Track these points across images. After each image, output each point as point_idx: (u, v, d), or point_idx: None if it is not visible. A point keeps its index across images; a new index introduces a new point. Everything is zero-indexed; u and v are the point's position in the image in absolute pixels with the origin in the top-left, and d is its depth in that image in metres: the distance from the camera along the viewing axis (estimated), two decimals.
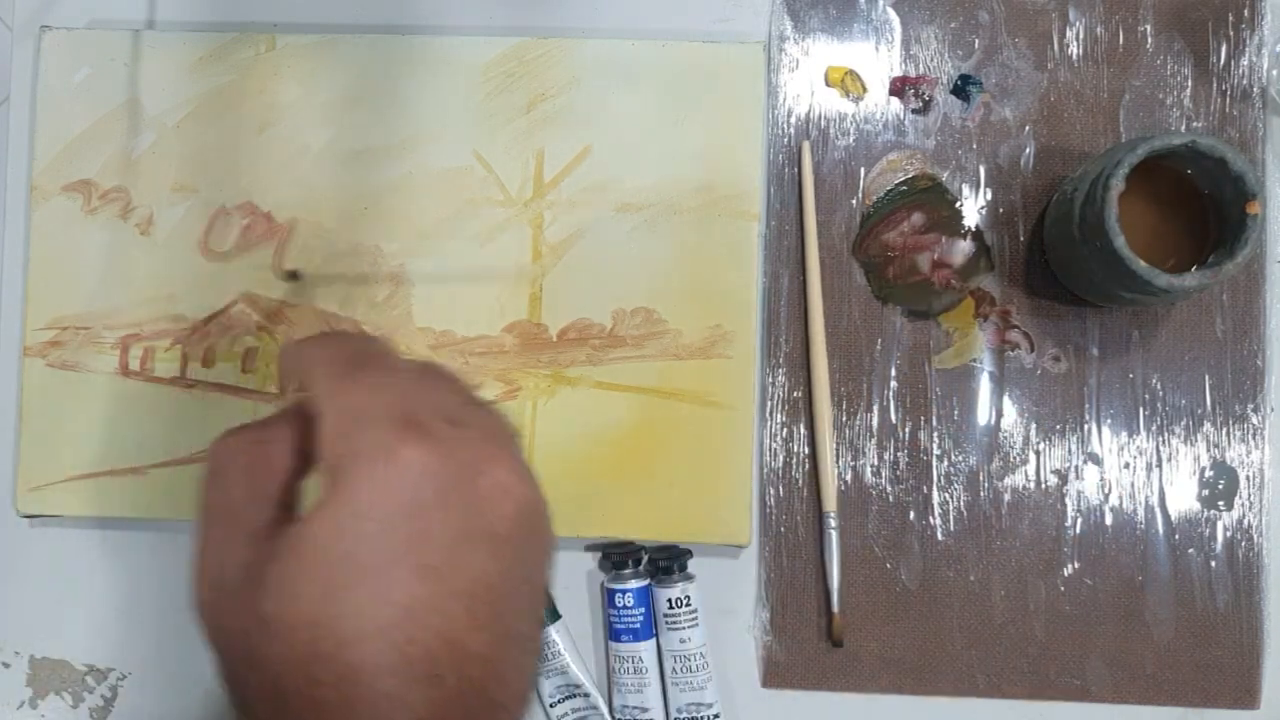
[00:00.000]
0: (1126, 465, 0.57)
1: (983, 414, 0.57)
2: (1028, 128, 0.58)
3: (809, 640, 0.56)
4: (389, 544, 0.27)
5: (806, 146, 0.58)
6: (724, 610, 0.57)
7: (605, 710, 0.56)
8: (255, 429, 0.31)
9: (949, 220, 0.58)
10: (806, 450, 0.57)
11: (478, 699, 0.28)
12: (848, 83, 0.58)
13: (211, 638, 0.29)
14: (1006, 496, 0.57)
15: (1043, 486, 0.57)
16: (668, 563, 0.55)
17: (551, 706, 0.56)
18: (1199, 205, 0.53)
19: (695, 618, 0.55)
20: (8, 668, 0.58)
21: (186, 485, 0.55)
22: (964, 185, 0.58)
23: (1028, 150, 0.58)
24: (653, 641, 0.56)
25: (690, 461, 0.55)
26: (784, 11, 0.58)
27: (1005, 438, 0.57)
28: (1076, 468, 0.57)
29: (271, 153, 0.57)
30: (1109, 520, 0.57)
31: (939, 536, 0.57)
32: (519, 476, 0.29)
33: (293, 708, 0.27)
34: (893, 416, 0.57)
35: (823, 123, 0.58)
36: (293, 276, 0.56)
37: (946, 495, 0.57)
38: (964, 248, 0.58)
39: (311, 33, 0.57)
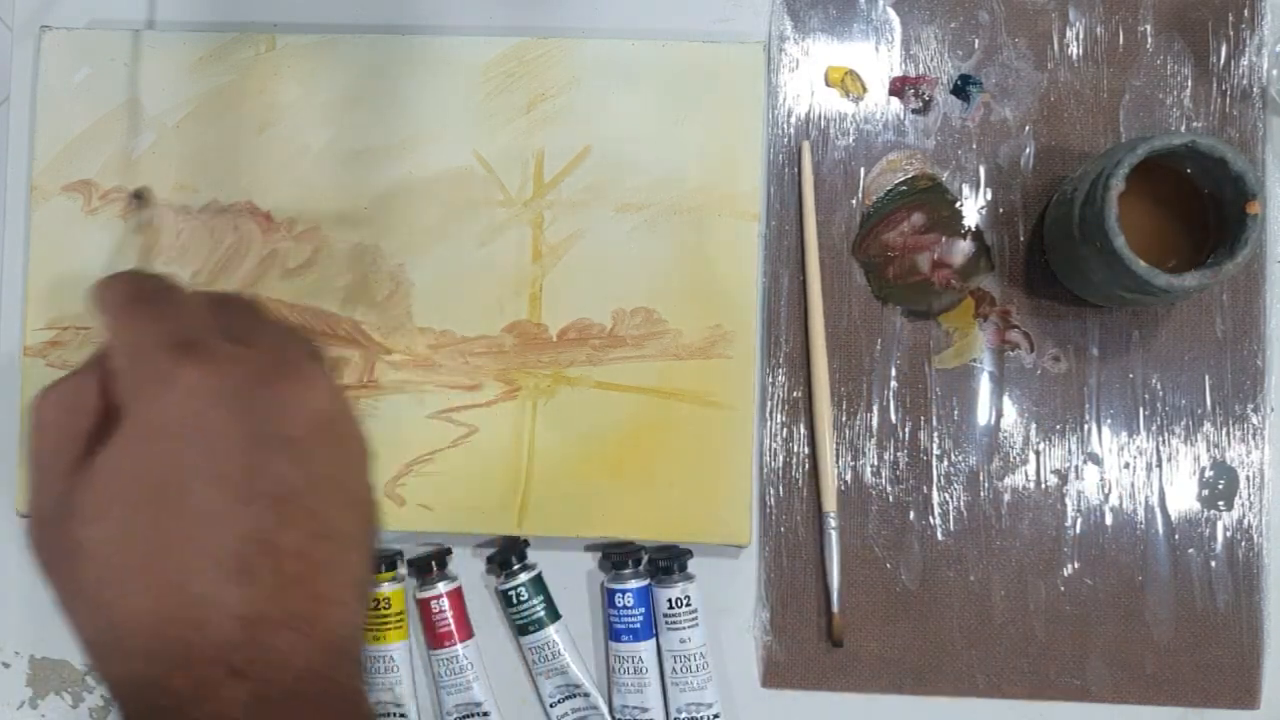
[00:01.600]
0: (1126, 465, 0.57)
1: (983, 414, 0.57)
2: (1028, 128, 0.58)
3: (809, 640, 0.56)
4: (180, 461, 0.29)
5: (806, 146, 0.58)
6: (724, 610, 0.57)
7: (605, 710, 0.56)
8: (68, 379, 0.32)
9: (949, 220, 0.58)
10: (806, 450, 0.57)
11: (299, 593, 0.29)
12: (848, 83, 0.58)
13: (44, 573, 0.31)
14: (1006, 496, 0.57)
15: (1043, 486, 0.57)
16: (668, 563, 0.55)
17: (551, 706, 0.56)
18: (1199, 205, 0.53)
19: (695, 618, 0.55)
20: (8, 668, 0.58)
21: None
22: (964, 185, 0.58)
23: (1028, 150, 0.58)
24: (653, 641, 0.56)
25: (690, 461, 0.55)
26: (784, 11, 0.58)
27: (1005, 438, 0.57)
28: (1076, 468, 0.57)
29: (271, 153, 0.57)
30: (1109, 520, 0.56)
31: (939, 536, 0.57)
32: (307, 385, 0.31)
33: (116, 624, 0.28)
34: (893, 416, 0.57)
35: (823, 123, 0.58)
36: (137, 197, 0.56)
37: (946, 495, 0.57)
38: (964, 248, 0.58)
39: (311, 33, 0.57)
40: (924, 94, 0.58)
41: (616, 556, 0.56)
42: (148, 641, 0.28)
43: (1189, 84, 0.58)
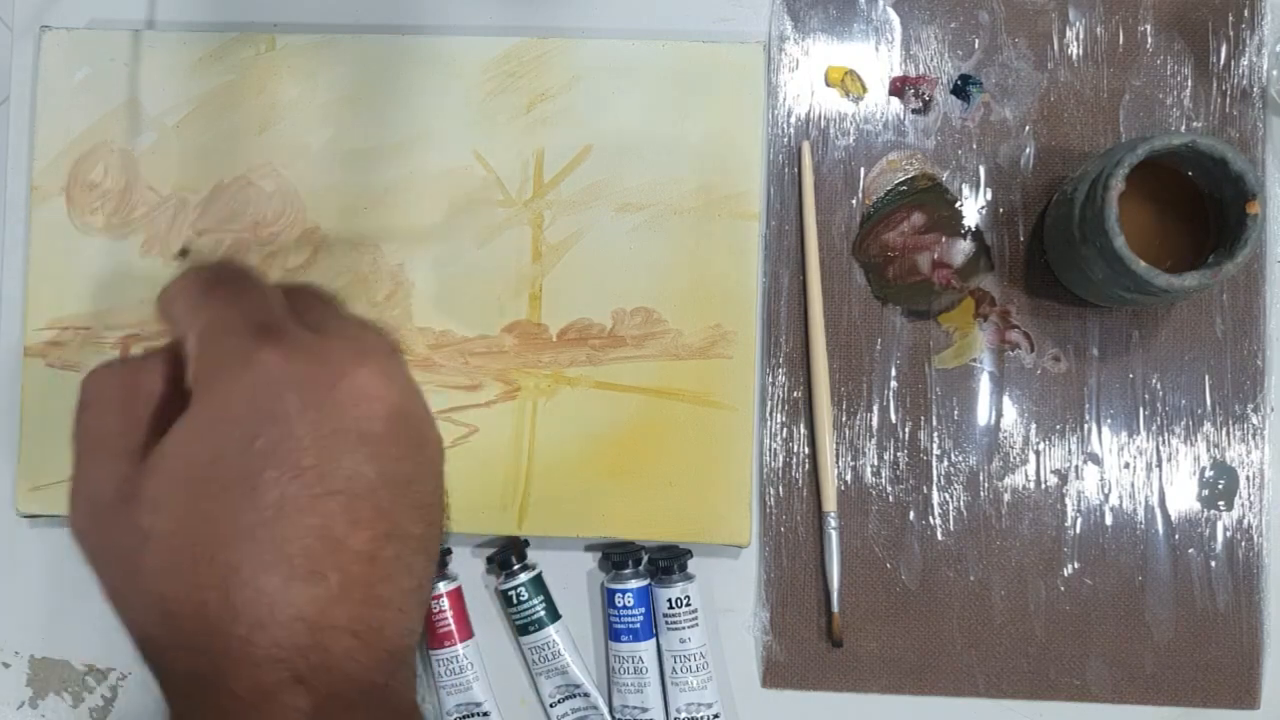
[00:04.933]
0: (1126, 465, 0.57)
1: (983, 414, 0.57)
2: (1028, 128, 0.58)
3: (809, 640, 0.56)
4: (252, 448, 0.27)
5: (806, 146, 0.58)
6: (724, 610, 0.57)
7: (605, 710, 0.56)
8: (128, 362, 0.31)
9: (949, 220, 0.58)
10: (806, 450, 0.57)
11: (363, 595, 0.28)
12: (848, 83, 0.58)
13: (92, 560, 0.29)
14: (1006, 496, 0.57)
15: (1043, 486, 0.57)
16: (668, 563, 0.55)
17: (551, 706, 0.56)
18: (1199, 205, 0.53)
19: (695, 618, 0.55)
20: (8, 668, 0.58)
21: None
22: (964, 185, 0.58)
23: (1028, 150, 0.58)
24: (653, 641, 0.56)
25: (690, 461, 0.55)
26: (784, 11, 0.58)
27: (1005, 438, 0.57)
28: (1076, 468, 0.57)
29: (272, 153, 0.57)
30: (1109, 520, 0.57)
31: (939, 536, 0.57)
32: (386, 380, 0.29)
33: (177, 616, 0.27)
34: (893, 416, 0.57)
35: (823, 123, 0.58)
36: (184, 254, 0.56)
37: (946, 495, 0.57)
38: (964, 248, 0.58)
39: (311, 33, 0.57)
40: (924, 94, 0.58)
41: (616, 556, 0.56)
42: (208, 639, 0.27)
43: (1189, 84, 0.58)
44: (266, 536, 0.27)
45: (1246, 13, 0.58)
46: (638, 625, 0.55)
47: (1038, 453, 0.57)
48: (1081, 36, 0.58)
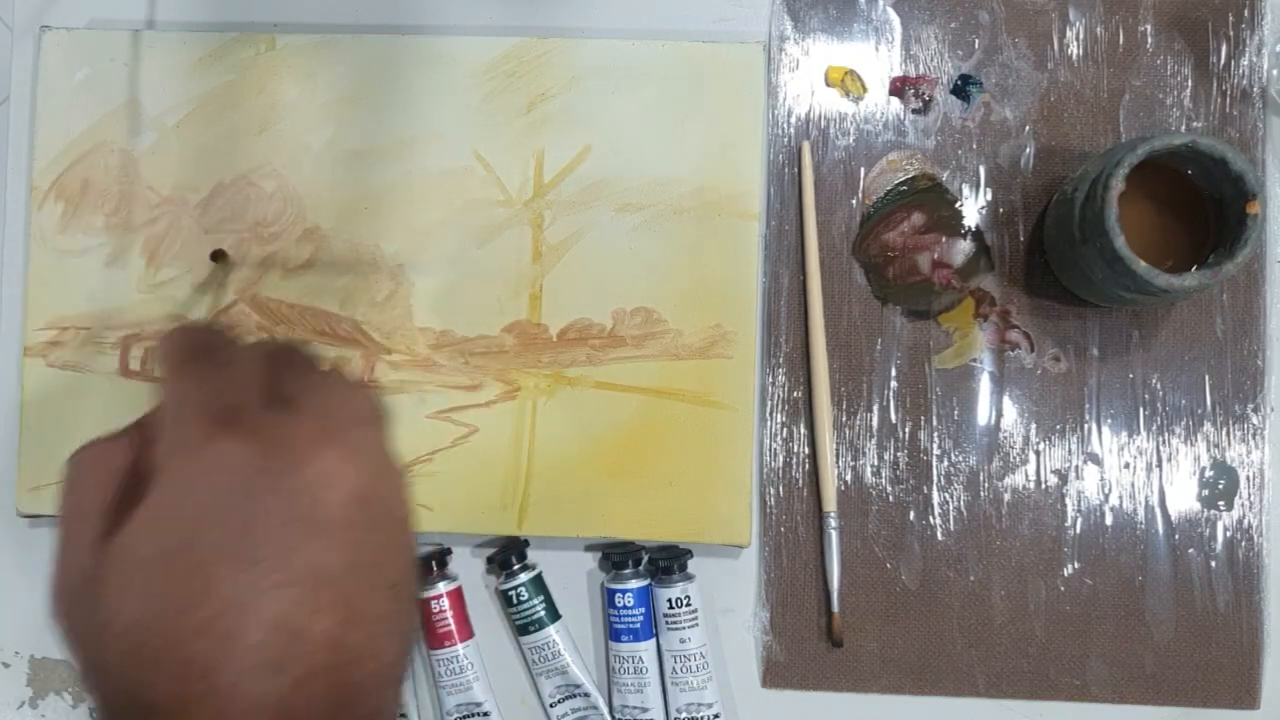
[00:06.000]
0: (1126, 465, 0.57)
1: (983, 414, 0.57)
2: (1028, 128, 0.58)
3: (809, 640, 0.56)
4: (207, 540, 0.27)
5: (806, 146, 0.58)
6: (724, 610, 0.57)
7: (605, 710, 0.56)
8: (105, 440, 0.31)
9: (949, 220, 0.58)
10: (806, 450, 0.57)
11: (331, 682, 0.27)
12: (848, 83, 0.58)
13: (65, 643, 0.29)
14: (1006, 496, 0.57)
15: (1043, 486, 0.57)
16: (668, 563, 0.55)
17: (551, 706, 0.56)
18: (1199, 205, 0.53)
19: (695, 618, 0.55)
20: (8, 668, 0.58)
21: None
22: (964, 185, 0.58)
23: (1028, 150, 0.58)
24: (653, 641, 0.56)
25: (690, 461, 0.55)
26: (784, 11, 0.58)
27: (1005, 438, 0.57)
28: (1076, 468, 0.57)
29: (272, 153, 0.57)
30: (1109, 520, 0.57)
31: (939, 536, 0.57)
32: (352, 462, 0.29)
33: (139, 707, 0.27)
34: (893, 416, 0.57)
35: (823, 123, 0.58)
36: (218, 257, 0.56)
37: (946, 495, 0.57)
38: (964, 248, 0.58)
39: (311, 33, 0.57)
40: (924, 94, 0.58)
41: (616, 556, 0.56)
42: None
43: (1189, 84, 0.58)
44: (222, 630, 0.27)
45: (1246, 13, 0.58)
46: (638, 625, 0.55)
47: (1038, 453, 0.57)
48: (1081, 36, 0.58)
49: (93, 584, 0.28)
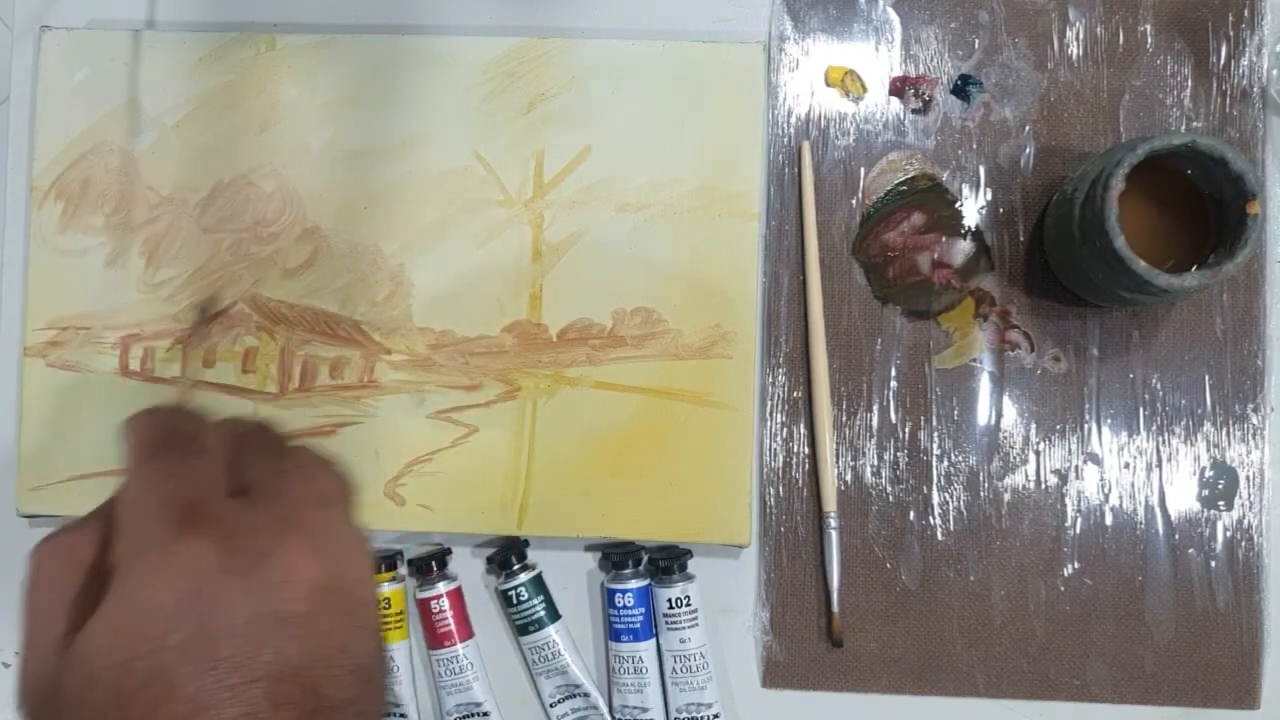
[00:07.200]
0: (1126, 465, 0.57)
1: (983, 414, 0.57)
2: (1028, 128, 0.58)
3: (809, 640, 0.56)
4: (167, 644, 0.27)
5: (806, 146, 0.58)
6: (724, 610, 0.57)
7: (605, 710, 0.56)
8: (69, 531, 0.31)
9: (949, 220, 0.58)
10: (806, 450, 0.57)
11: None
12: (848, 83, 0.58)
13: None
14: (1006, 496, 0.57)
15: (1043, 486, 0.57)
16: (668, 563, 0.55)
17: (551, 706, 0.56)
18: (1199, 205, 0.53)
19: (695, 618, 0.55)
20: (8, 668, 0.58)
21: None
22: (964, 185, 0.58)
23: (1028, 150, 0.58)
24: (653, 641, 0.56)
25: (690, 461, 0.55)
26: (784, 11, 0.58)
27: (1005, 438, 0.57)
28: (1076, 468, 0.57)
29: (272, 153, 0.57)
30: (1109, 520, 0.57)
31: (939, 536, 0.57)
32: (313, 552, 0.29)
33: None
34: (893, 416, 0.57)
35: (823, 123, 0.58)
36: (202, 311, 0.55)
37: (946, 495, 0.57)
38: (964, 248, 0.58)
39: (311, 33, 0.57)
40: (924, 94, 0.58)
41: (616, 556, 0.56)
42: None
43: (1189, 84, 0.58)
44: None
45: (1246, 13, 0.58)
46: (638, 625, 0.55)
47: (1038, 453, 0.57)
48: (1081, 36, 0.58)
49: (55, 689, 0.28)
